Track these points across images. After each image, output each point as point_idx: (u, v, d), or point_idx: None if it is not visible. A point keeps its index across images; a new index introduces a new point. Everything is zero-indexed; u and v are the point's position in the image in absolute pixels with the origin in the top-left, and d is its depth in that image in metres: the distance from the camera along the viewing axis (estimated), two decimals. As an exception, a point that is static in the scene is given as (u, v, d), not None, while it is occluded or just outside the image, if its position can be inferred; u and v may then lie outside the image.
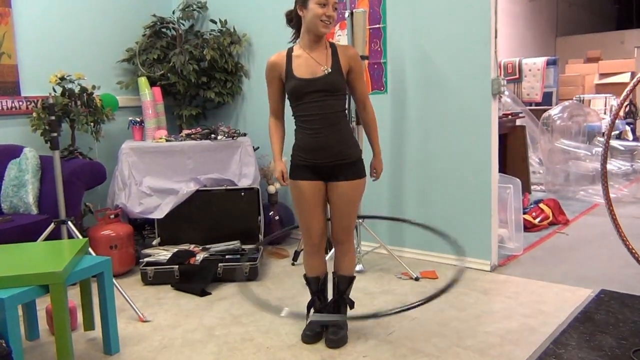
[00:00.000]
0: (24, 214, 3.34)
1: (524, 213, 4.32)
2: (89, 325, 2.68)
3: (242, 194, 3.81)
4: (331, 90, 2.37)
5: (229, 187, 3.83)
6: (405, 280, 3.30)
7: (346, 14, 3.35)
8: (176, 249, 3.58)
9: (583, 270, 3.38)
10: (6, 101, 3.72)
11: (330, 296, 2.63)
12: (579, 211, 4.92)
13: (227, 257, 3.56)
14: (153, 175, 3.80)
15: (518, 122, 5.64)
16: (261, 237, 3.83)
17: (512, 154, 5.44)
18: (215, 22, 4.50)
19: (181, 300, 3.12)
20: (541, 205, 4.55)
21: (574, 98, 7.37)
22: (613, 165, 5.57)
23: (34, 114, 3.60)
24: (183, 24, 4.58)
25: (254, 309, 2.94)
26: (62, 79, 3.69)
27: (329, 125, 2.37)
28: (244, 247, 3.71)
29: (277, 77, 2.44)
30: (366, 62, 3.60)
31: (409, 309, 2.66)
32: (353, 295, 2.62)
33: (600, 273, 3.31)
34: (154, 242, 3.74)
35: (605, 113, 7.34)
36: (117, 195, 3.73)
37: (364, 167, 2.48)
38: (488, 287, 3.13)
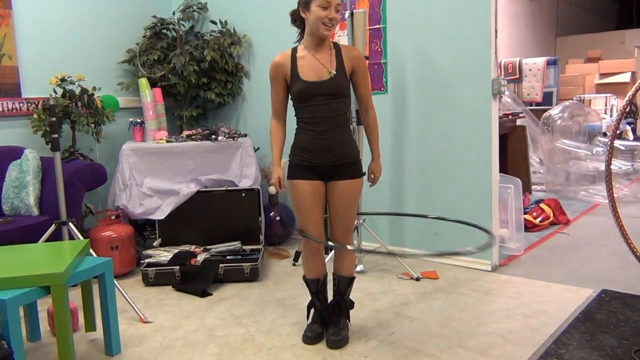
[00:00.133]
0: (25, 215, 3.35)
1: (525, 213, 4.32)
2: (90, 326, 2.68)
3: (243, 194, 3.81)
4: (336, 94, 2.38)
5: (229, 188, 3.83)
6: (406, 281, 3.30)
7: (346, 15, 3.35)
8: (177, 250, 3.58)
9: (584, 270, 3.38)
10: (7, 102, 3.73)
11: (330, 297, 2.63)
12: (579, 211, 4.92)
13: (228, 257, 3.57)
14: (154, 176, 3.80)
15: (518, 122, 5.65)
16: (262, 237, 3.83)
17: (512, 154, 5.44)
18: (215, 23, 4.51)
19: (182, 301, 3.12)
20: (542, 205, 4.55)
21: (575, 98, 7.37)
22: (614, 165, 5.57)
23: (35, 116, 3.60)
24: (183, 25, 4.59)
25: (255, 309, 2.94)
26: (63, 80, 3.69)
27: (332, 127, 2.39)
28: (244, 247, 3.72)
29: (282, 78, 2.44)
30: (366, 62, 3.59)
31: (424, 255, 2.64)
32: (353, 295, 2.62)
33: (601, 273, 3.31)
34: (155, 243, 3.74)
35: (605, 113, 7.34)
36: (118, 196, 3.73)
37: (362, 167, 2.49)
38: (489, 288, 3.13)
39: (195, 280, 3.29)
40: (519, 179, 3.83)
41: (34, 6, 3.88)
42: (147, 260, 3.52)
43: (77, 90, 3.73)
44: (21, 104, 3.80)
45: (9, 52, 3.73)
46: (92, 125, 3.77)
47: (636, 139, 7.35)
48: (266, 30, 4.31)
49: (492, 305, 2.88)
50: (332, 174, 2.44)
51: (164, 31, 4.53)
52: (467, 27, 3.31)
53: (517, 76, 6.87)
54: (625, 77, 8.49)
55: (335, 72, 2.36)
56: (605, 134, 6.15)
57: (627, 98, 2.64)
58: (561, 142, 5.74)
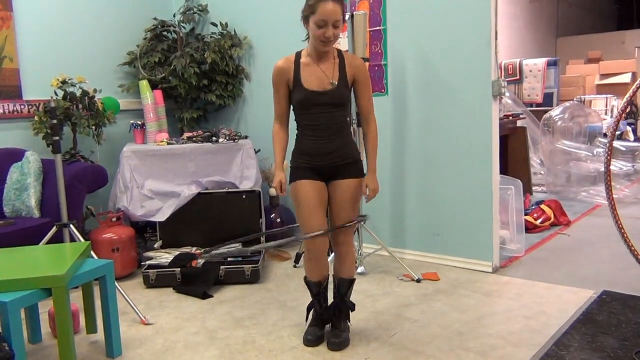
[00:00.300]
0: (26, 217, 3.35)
1: (526, 214, 4.32)
2: (91, 328, 2.68)
3: (244, 196, 3.82)
4: (338, 104, 2.40)
5: (230, 190, 3.84)
6: (406, 282, 3.30)
7: (346, 17, 3.35)
8: (178, 252, 3.59)
9: (585, 271, 3.38)
10: (8, 105, 3.73)
11: (330, 299, 2.63)
12: (580, 212, 4.92)
13: (228, 259, 3.57)
14: (154, 178, 3.80)
15: (519, 123, 5.65)
16: (263, 239, 3.83)
17: (513, 155, 5.45)
18: (216, 25, 4.51)
19: (183, 303, 3.12)
20: (542, 206, 4.54)
21: (575, 99, 7.36)
22: (614, 165, 5.57)
23: (36, 118, 3.60)
24: (184, 27, 4.59)
25: (256, 311, 2.95)
26: (64, 82, 3.69)
27: (333, 133, 2.41)
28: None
29: (285, 83, 2.44)
30: (367, 64, 3.60)
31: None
32: (354, 297, 2.62)
33: (602, 274, 3.31)
34: (156, 245, 3.74)
35: (606, 114, 7.34)
36: (119, 198, 3.73)
37: (363, 167, 2.50)
38: (490, 289, 3.13)
39: (196, 282, 3.29)
40: (519, 180, 3.83)
41: (34, 8, 3.88)
42: (148, 262, 3.52)
43: (78, 93, 3.74)
44: (22, 106, 3.81)
45: (9, 55, 3.74)
46: (93, 127, 3.77)
47: (637, 139, 7.34)
48: (267, 32, 4.32)
49: (493, 306, 2.88)
50: (334, 173, 2.45)
51: (165, 33, 4.53)
52: (467, 29, 3.31)
53: (518, 77, 6.88)
54: (626, 78, 8.48)
55: (336, 83, 2.37)
56: (605, 135, 6.15)
57: (625, 99, 2.64)
58: (562, 143, 5.74)
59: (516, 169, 5.33)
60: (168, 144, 3.92)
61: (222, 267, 3.38)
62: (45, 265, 2.33)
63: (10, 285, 2.08)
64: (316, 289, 2.54)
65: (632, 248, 2.88)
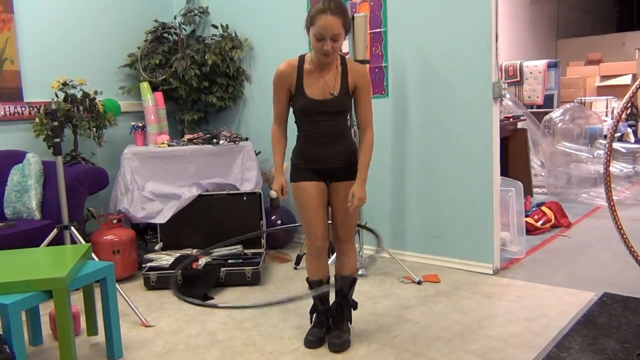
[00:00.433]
0: (27, 219, 3.35)
1: (526, 216, 4.32)
2: (92, 330, 2.69)
3: (244, 198, 3.82)
4: (339, 111, 2.40)
5: (231, 192, 3.84)
6: (407, 284, 3.30)
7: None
8: (178, 254, 3.59)
9: (586, 273, 3.38)
10: (9, 107, 3.74)
11: (332, 300, 2.63)
12: (581, 214, 4.92)
13: (229, 261, 3.57)
14: (155, 180, 3.81)
15: (519, 125, 5.65)
16: (263, 241, 3.83)
17: (513, 157, 5.45)
18: (216, 27, 4.52)
19: (184, 305, 3.12)
20: (543, 208, 4.54)
21: (575, 100, 7.37)
22: (615, 167, 5.57)
23: (37, 120, 3.61)
24: (185, 29, 4.60)
25: (256, 313, 2.95)
26: (65, 84, 3.70)
27: (334, 139, 2.42)
28: (246, 251, 3.72)
29: (286, 88, 2.43)
30: (367, 66, 3.60)
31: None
32: (355, 299, 2.62)
33: (603, 276, 3.31)
34: (157, 247, 3.74)
35: (606, 115, 7.34)
36: (120, 200, 3.73)
37: None
38: (490, 291, 3.13)
39: (196, 284, 3.29)
40: (520, 182, 3.83)
41: (35, 10, 3.89)
42: (148, 264, 3.52)
43: (79, 95, 3.74)
44: (23, 108, 3.81)
45: (11, 57, 3.75)
46: (94, 129, 3.77)
47: (637, 141, 7.34)
48: (267, 34, 4.32)
49: (494, 308, 2.88)
50: (334, 175, 2.47)
51: (166, 35, 4.54)
52: (467, 31, 3.31)
53: (518, 79, 6.88)
54: (627, 80, 8.48)
55: (337, 94, 2.36)
56: (606, 137, 6.14)
57: (624, 101, 2.64)
58: (562, 144, 5.74)
59: (517, 170, 5.33)
60: (169, 145, 3.92)
61: (222, 269, 3.38)
62: (46, 267, 2.33)
63: (11, 287, 2.08)
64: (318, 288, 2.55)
65: (633, 250, 2.88)
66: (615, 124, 2.81)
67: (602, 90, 8.50)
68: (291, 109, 2.49)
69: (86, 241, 3.09)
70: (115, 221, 3.61)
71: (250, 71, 4.52)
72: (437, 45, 3.46)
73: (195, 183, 3.82)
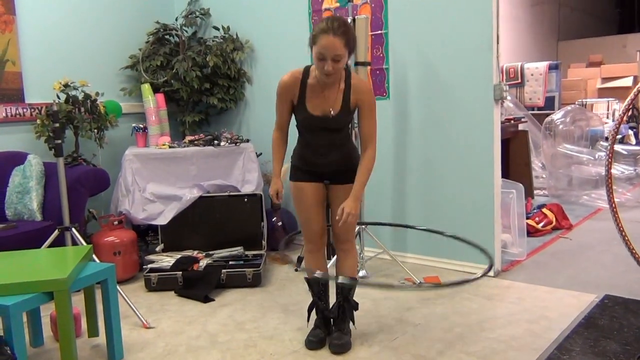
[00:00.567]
0: (28, 220, 3.35)
1: (527, 218, 4.32)
2: (93, 331, 2.68)
3: (245, 200, 3.82)
4: (339, 129, 2.42)
5: (232, 193, 3.84)
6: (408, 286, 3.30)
7: (348, 20, 3.36)
8: (180, 255, 3.59)
9: (587, 275, 3.38)
10: (10, 108, 3.74)
11: (332, 302, 2.63)
12: (582, 216, 4.91)
13: (230, 263, 3.57)
14: (156, 181, 3.81)
15: (520, 127, 5.65)
16: (264, 243, 3.83)
17: (514, 159, 5.44)
18: (218, 29, 4.52)
19: (185, 307, 3.12)
20: (544, 210, 4.54)
21: (577, 102, 7.36)
22: (616, 169, 5.56)
23: (38, 121, 3.61)
24: (186, 31, 4.60)
25: (257, 315, 2.94)
26: (66, 85, 3.70)
27: (334, 149, 2.45)
28: (247, 253, 3.72)
29: (289, 99, 2.43)
30: (368, 68, 3.61)
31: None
32: (356, 301, 2.62)
33: (604, 278, 3.31)
34: (158, 249, 3.74)
35: (607, 117, 7.33)
36: (121, 201, 3.74)
37: None
38: (492, 293, 3.13)
39: (197, 286, 3.29)
40: (521, 184, 3.83)
41: (37, 12, 3.90)
42: (149, 266, 3.52)
43: (80, 96, 3.74)
44: (24, 110, 3.82)
45: (12, 58, 3.75)
46: (95, 130, 3.78)
47: (638, 143, 7.34)
48: (268, 35, 4.33)
49: (495, 310, 2.88)
50: (334, 178, 2.50)
51: (167, 37, 4.54)
52: (468, 33, 3.32)
53: (519, 81, 6.87)
54: (628, 82, 8.47)
55: (337, 113, 2.36)
56: (607, 139, 6.14)
57: (625, 103, 2.64)
58: (563, 146, 5.74)
59: (518, 172, 5.32)
60: (170, 147, 3.92)
61: (223, 270, 3.38)
62: (47, 268, 2.33)
63: (12, 288, 2.08)
64: (316, 286, 2.56)
65: (634, 252, 2.88)
66: (617, 126, 2.81)
67: (603, 92, 8.49)
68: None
69: (87, 243, 3.09)
70: (116, 223, 3.61)
71: (252, 73, 4.52)
72: (438, 47, 3.46)
73: (196, 184, 3.83)
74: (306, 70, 2.40)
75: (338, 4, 3.86)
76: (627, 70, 8.73)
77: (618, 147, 5.82)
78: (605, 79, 8.78)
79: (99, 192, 3.60)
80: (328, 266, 2.68)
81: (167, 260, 3.55)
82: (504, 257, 3.61)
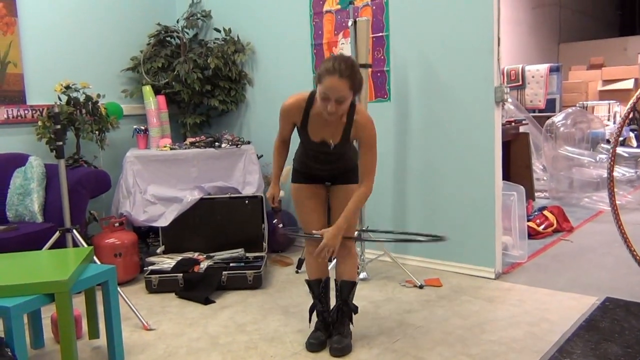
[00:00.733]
0: (29, 222, 3.36)
1: (528, 220, 4.31)
2: (93, 333, 2.68)
3: (246, 201, 3.82)
4: (338, 154, 2.44)
5: (232, 195, 3.84)
6: (409, 288, 3.30)
7: (349, 23, 3.36)
8: (180, 257, 3.59)
9: (588, 277, 3.37)
10: (12, 110, 3.75)
11: (333, 304, 2.63)
12: (583, 218, 4.91)
13: (231, 265, 3.57)
14: (157, 183, 3.81)
15: (521, 129, 5.65)
16: (265, 245, 3.83)
17: (515, 161, 5.44)
18: (219, 31, 4.53)
19: (185, 309, 3.12)
20: (545, 212, 4.54)
21: (578, 105, 7.36)
22: (617, 172, 5.56)
23: (40, 123, 3.62)
24: (187, 33, 4.61)
25: (258, 317, 2.94)
26: (68, 87, 3.71)
27: (334, 159, 2.47)
28: (247, 255, 3.72)
29: (291, 122, 2.44)
30: (369, 70, 3.61)
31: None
32: (357, 303, 2.62)
33: (605, 280, 3.30)
34: (158, 250, 3.75)
35: (608, 120, 7.32)
36: (122, 203, 3.74)
37: None
38: (492, 295, 3.13)
39: (198, 288, 3.29)
40: (522, 186, 3.83)
41: (39, 14, 3.91)
42: (150, 268, 3.52)
43: (82, 98, 3.75)
44: (26, 111, 3.82)
45: (14, 60, 3.76)
46: (96, 132, 3.78)
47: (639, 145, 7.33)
48: (270, 37, 4.33)
49: (496, 313, 2.88)
50: (334, 179, 2.53)
51: (168, 39, 4.55)
52: (469, 35, 3.32)
53: (520, 83, 6.88)
54: (629, 84, 8.47)
55: (337, 143, 2.38)
56: (608, 141, 6.14)
57: (628, 105, 2.64)
58: (564, 149, 5.73)
59: (519, 175, 5.32)
60: (171, 149, 3.93)
61: (224, 272, 3.38)
62: (48, 270, 2.33)
63: (13, 290, 2.08)
64: (317, 288, 2.57)
65: (635, 254, 2.88)
66: (619, 128, 2.81)
67: (604, 95, 8.48)
68: None
69: (88, 244, 3.09)
70: (117, 224, 3.61)
71: (253, 75, 4.53)
72: (439, 49, 3.46)
73: (197, 186, 3.83)
74: (310, 98, 2.37)
75: (339, 6, 3.87)
76: (628, 72, 8.72)
77: (619, 150, 5.81)
78: (606, 82, 8.77)
79: (100, 193, 3.61)
80: (329, 268, 2.67)
81: (167, 262, 3.55)
82: (504, 259, 3.61)
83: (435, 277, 3.44)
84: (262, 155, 4.20)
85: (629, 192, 5.45)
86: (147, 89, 4.18)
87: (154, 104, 4.16)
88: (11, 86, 3.75)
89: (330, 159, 2.46)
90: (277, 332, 2.73)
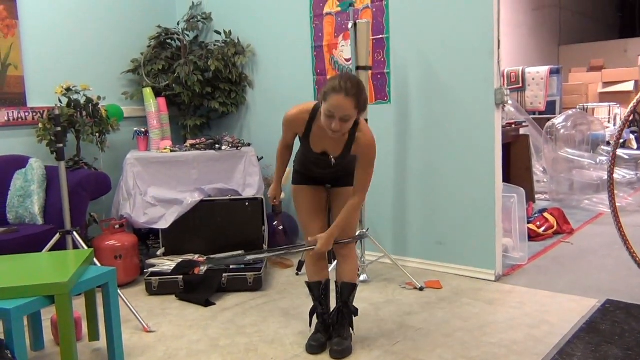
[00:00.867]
0: (29, 224, 3.36)
1: (529, 222, 4.31)
2: (93, 335, 2.68)
3: (247, 204, 3.82)
4: (340, 166, 2.46)
5: (233, 197, 3.84)
6: (409, 290, 3.30)
7: (350, 25, 3.37)
8: (180, 259, 3.59)
9: (588, 280, 3.37)
10: (12, 112, 3.75)
11: (333, 306, 2.63)
12: (583, 220, 4.90)
13: (231, 267, 3.56)
14: (158, 185, 3.81)
15: (522, 131, 5.65)
16: (265, 247, 3.83)
17: (516, 163, 5.44)
18: (219, 33, 4.54)
19: (186, 311, 3.12)
20: (545, 214, 4.53)
21: (578, 107, 7.36)
22: (618, 174, 5.56)
23: (40, 125, 3.62)
24: (188, 35, 4.62)
25: (258, 319, 2.94)
26: (68, 89, 3.71)
27: (335, 166, 2.47)
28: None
29: (294, 132, 2.47)
30: (370, 72, 3.61)
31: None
32: (357, 305, 2.61)
33: (605, 283, 3.30)
34: (159, 252, 3.75)
35: (609, 122, 7.32)
36: (122, 205, 3.74)
37: None
38: (493, 297, 3.13)
39: (198, 290, 3.29)
40: (522, 188, 3.83)
41: (40, 16, 3.91)
42: (150, 270, 3.52)
43: (82, 100, 3.75)
44: (26, 114, 3.83)
45: (14, 62, 3.76)
46: (97, 134, 3.79)
47: (640, 148, 7.33)
48: (270, 40, 4.34)
49: (496, 315, 2.88)
50: (335, 182, 2.55)
51: (169, 41, 4.56)
52: (469, 37, 3.32)
53: (521, 85, 6.88)
54: (629, 86, 8.46)
55: (338, 156, 2.39)
56: (608, 143, 6.14)
57: (629, 108, 2.64)
58: (565, 151, 5.73)
59: (519, 177, 5.32)
60: (171, 151, 3.93)
61: (224, 274, 3.38)
62: (48, 272, 2.33)
63: (14, 292, 2.08)
64: (317, 291, 2.56)
65: (635, 256, 2.88)
66: (620, 131, 2.81)
67: (604, 97, 8.48)
68: None
69: (88, 246, 3.10)
70: (117, 226, 3.61)
71: (253, 77, 4.53)
72: (439, 52, 3.46)
73: (197, 188, 3.83)
74: (314, 111, 2.37)
75: (339, 9, 3.87)
76: (628, 74, 8.72)
77: (619, 152, 5.80)
78: (607, 84, 8.77)
79: (100, 195, 3.61)
80: (329, 270, 2.67)
81: (168, 264, 3.55)
82: (505, 261, 3.60)
83: (436, 279, 3.44)
84: (262, 157, 4.20)
85: (629, 195, 5.44)
86: (148, 91, 4.18)
87: (154, 106, 4.16)
88: (12, 88, 3.76)
89: (332, 169, 2.49)
90: (277, 334, 2.73)
